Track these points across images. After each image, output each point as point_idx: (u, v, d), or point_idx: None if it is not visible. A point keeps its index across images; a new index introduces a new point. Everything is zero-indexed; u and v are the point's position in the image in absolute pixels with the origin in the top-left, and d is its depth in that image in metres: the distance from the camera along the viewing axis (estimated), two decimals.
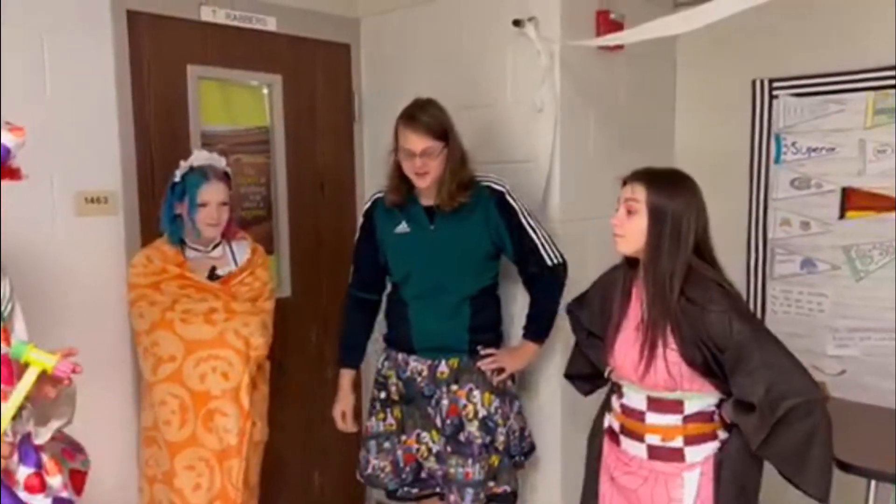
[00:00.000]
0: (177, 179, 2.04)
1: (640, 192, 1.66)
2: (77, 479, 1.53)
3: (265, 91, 2.61)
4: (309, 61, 2.72)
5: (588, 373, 1.93)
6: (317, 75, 2.75)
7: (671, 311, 1.63)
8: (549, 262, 2.19)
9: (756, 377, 1.57)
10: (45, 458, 1.44)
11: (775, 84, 2.63)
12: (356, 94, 2.86)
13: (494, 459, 2.17)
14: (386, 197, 2.20)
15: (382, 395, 2.29)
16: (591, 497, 1.89)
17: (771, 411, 1.56)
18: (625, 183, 1.71)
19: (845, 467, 1.86)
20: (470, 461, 2.13)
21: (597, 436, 1.89)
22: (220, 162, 2.09)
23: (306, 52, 2.71)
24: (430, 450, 2.23)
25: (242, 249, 2.20)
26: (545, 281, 2.21)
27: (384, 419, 2.28)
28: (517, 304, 2.36)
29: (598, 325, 1.86)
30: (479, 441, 2.13)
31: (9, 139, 1.29)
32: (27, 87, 1.98)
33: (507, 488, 2.21)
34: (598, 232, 2.49)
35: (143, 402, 2.08)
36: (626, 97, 2.64)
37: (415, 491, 2.29)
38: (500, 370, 2.19)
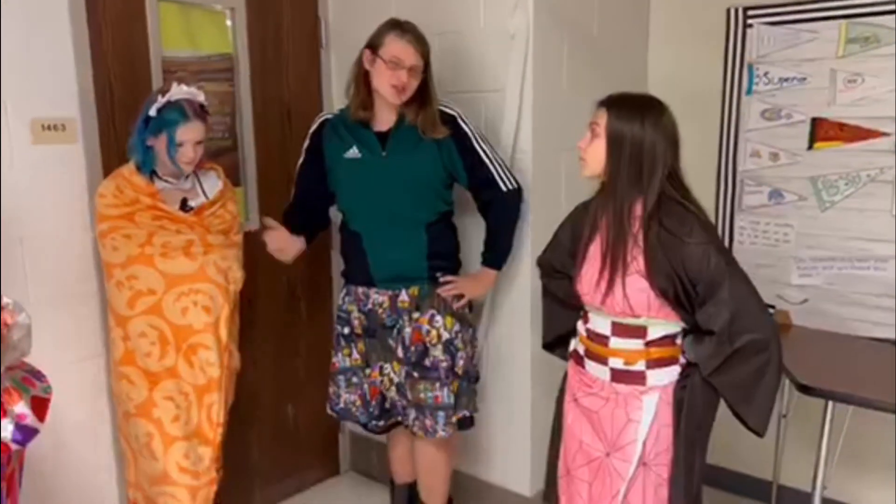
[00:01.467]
0: (152, 114, 1.95)
1: (601, 116, 1.66)
2: (39, 406, 1.50)
3: (228, 17, 2.50)
4: None
5: (566, 332, 1.93)
6: (282, 1, 2.65)
7: (628, 237, 1.64)
8: (503, 188, 2.19)
9: (721, 307, 1.61)
10: (4, 386, 1.42)
11: (750, 12, 2.60)
12: (322, 20, 2.77)
13: (455, 384, 2.20)
14: (353, 113, 2.15)
15: (346, 330, 2.30)
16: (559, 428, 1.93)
17: (730, 340, 1.62)
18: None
19: (805, 389, 1.93)
20: (437, 385, 2.16)
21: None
22: (199, 96, 2.02)
23: None
24: (391, 380, 2.25)
25: (211, 181, 2.15)
26: (501, 206, 2.21)
27: (349, 354, 2.30)
28: (476, 229, 2.35)
29: (570, 258, 1.86)
30: (444, 364, 2.16)
31: None
32: None
33: (467, 413, 2.25)
34: (571, 162, 2.47)
35: (111, 335, 2.05)
36: (600, 25, 2.59)
37: (381, 423, 2.34)
38: (460, 296, 2.22)
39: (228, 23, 2.51)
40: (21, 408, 1.41)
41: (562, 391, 1.93)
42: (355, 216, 2.22)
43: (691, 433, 1.70)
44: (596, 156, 1.67)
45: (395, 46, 2.04)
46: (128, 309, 1.99)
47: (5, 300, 1.45)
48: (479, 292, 2.30)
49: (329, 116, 2.24)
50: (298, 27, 2.71)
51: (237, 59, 2.53)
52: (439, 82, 2.22)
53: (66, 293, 2.11)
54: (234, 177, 2.57)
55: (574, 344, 1.87)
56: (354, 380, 2.30)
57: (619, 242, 1.65)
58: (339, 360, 2.32)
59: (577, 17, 2.50)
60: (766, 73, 2.60)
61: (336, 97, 2.82)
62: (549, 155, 2.43)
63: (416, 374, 2.18)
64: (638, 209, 1.65)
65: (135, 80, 2.24)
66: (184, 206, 2.06)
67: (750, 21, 2.61)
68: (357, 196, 2.20)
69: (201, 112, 2.02)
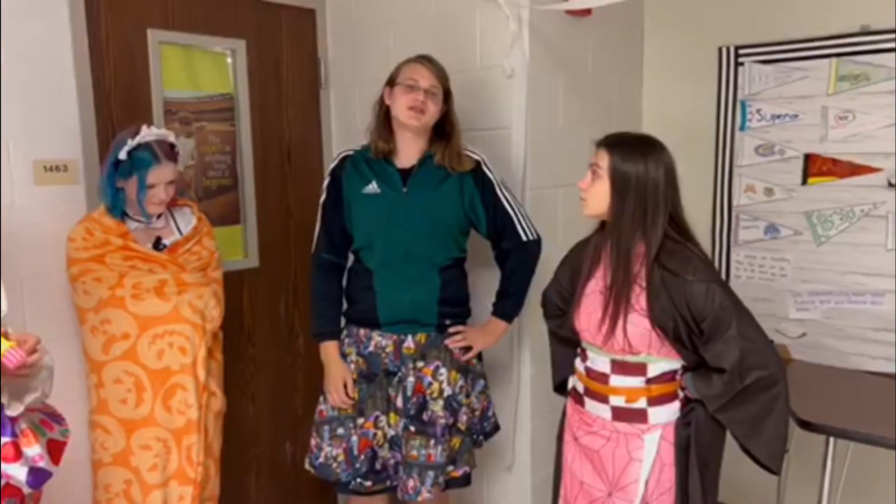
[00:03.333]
0: (122, 157, 1.93)
1: (603, 158, 1.67)
2: (55, 449, 1.50)
3: (228, 57, 2.55)
4: (273, 26, 2.66)
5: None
6: (282, 41, 2.69)
7: (632, 278, 1.65)
8: (523, 238, 2.13)
9: (731, 345, 1.61)
10: (21, 427, 1.41)
11: (741, 51, 2.65)
12: (322, 61, 2.81)
13: (456, 441, 2.11)
14: (373, 146, 2.12)
15: None
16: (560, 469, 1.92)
17: (740, 378, 1.62)
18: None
19: (806, 425, 1.93)
20: (433, 442, 2.05)
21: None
22: (168, 136, 2.00)
23: (271, 17, 2.64)
24: (385, 435, 2.12)
25: (186, 218, 2.13)
26: (518, 257, 2.14)
27: (353, 397, 2.13)
28: (485, 280, 2.30)
29: (569, 294, 1.88)
30: (442, 422, 2.06)
31: None
32: None
33: (466, 469, 2.17)
34: (567, 199, 2.51)
35: (87, 383, 2.02)
36: (595, 63, 2.64)
37: (368, 484, 2.13)
38: (468, 348, 2.13)
39: (229, 61, 2.55)
40: (36, 450, 1.41)
41: (561, 429, 1.92)
42: (370, 253, 2.12)
43: (696, 472, 1.69)
44: (598, 196, 1.68)
45: (412, 69, 2.04)
46: (102, 354, 1.96)
47: (28, 336, 1.45)
48: (487, 344, 2.19)
49: (350, 153, 2.18)
50: (298, 67, 2.75)
51: (237, 98, 2.57)
52: None
53: (62, 334, 2.09)
54: (233, 215, 2.59)
55: (573, 382, 1.86)
56: (340, 431, 2.13)
57: (624, 285, 1.65)
58: (327, 408, 2.16)
59: (573, 56, 2.54)
60: (758, 110, 2.64)
61: (336, 135, 2.86)
62: (546, 192, 2.45)
63: (412, 429, 2.07)
64: (640, 249, 1.66)
65: (136, 120, 2.25)
66: (157, 244, 2.04)
67: (741, 59, 2.66)
68: (373, 232, 2.11)
69: (171, 153, 2.00)
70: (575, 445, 1.82)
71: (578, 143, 2.29)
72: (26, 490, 1.40)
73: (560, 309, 1.93)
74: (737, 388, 1.63)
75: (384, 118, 2.11)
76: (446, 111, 2.10)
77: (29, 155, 2.01)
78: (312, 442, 2.19)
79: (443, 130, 2.11)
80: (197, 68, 2.46)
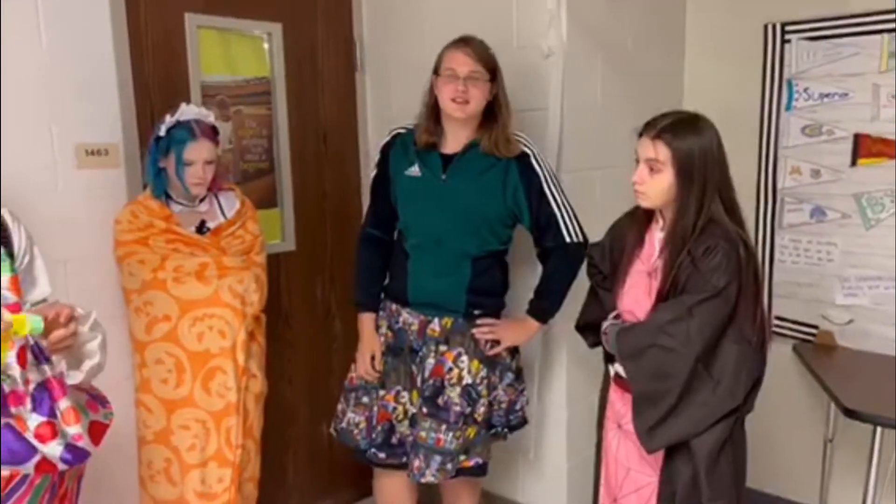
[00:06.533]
0: (161, 133, 1.98)
1: (663, 153, 1.62)
2: (97, 430, 1.54)
3: (265, 40, 2.55)
4: (309, 8, 2.65)
5: (599, 320, 1.91)
6: (317, 23, 2.69)
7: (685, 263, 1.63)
8: (567, 239, 2.05)
9: (676, 307, 1.62)
10: (63, 406, 1.45)
11: (788, 28, 2.56)
12: (358, 43, 2.80)
13: (471, 431, 2.08)
14: (417, 137, 2.08)
15: None
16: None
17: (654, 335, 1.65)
18: (641, 135, 1.68)
19: (852, 413, 1.87)
20: (444, 427, 2.03)
21: (606, 390, 1.90)
22: (208, 117, 2.03)
23: (306, 0, 2.64)
24: (405, 412, 2.12)
25: (230, 202, 2.15)
26: (561, 258, 2.07)
27: (379, 370, 2.16)
28: (528, 275, 2.24)
29: (608, 268, 1.87)
30: (457, 409, 2.03)
31: None
32: (22, 38, 1.93)
33: (479, 460, 2.13)
34: (605, 182, 2.47)
35: (132, 361, 2.06)
36: (635, 42, 2.58)
37: (382, 455, 2.15)
38: (496, 342, 2.10)
39: (265, 45, 2.56)
40: (77, 430, 1.44)
41: (601, 416, 1.89)
42: (407, 234, 2.12)
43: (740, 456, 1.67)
44: (661, 189, 1.65)
45: (451, 57, 1.98)
46: (145, 335, 2.00)
47: (81, 311, 1.49)
48: (517, 341, 2.15)
49: (402, 130, 2.14)
50: (333, 49, 2.75)
51: (274, 82, 2.58)
52: None
53: (104, 315, 2.13)
54: (270, 198, 2.61)
55: (617, 367, 1.84)
56: (364, 399, 2.17)
57: (675, 268, 1.64)
58: (356, 376, 2.20)
59: (612, 34, 2.49)
60: (805, 89, 2.55)
61: (371, 118, 2.85)
62: (583, 174, 2.41)
63: (425, 410, 2.06)
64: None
65: (175, 104, 2.28)
66: (201, 228, 2.07)
67: (788, 36, 2.57)
68: (410, 215, 2.11)
69: (211, 132, 2.02)
70: (620, 432, 1.80)
71: (617, 124, 2.24)
72: (62, 466, 1.44)
73: (599, 271, 1.92)
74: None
75: (433, 107, 2.05)
76: (495, 92, 2.02)
77: (71, 139, 2.05)
78: (339, 407, 2.23)
79: (492, 112, 2.03)
80: (234, 52, 2.47)
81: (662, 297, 1.67)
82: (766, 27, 2.60)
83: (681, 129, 1.63)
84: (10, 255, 1.48)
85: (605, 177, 2.46)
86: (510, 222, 2.10)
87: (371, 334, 2.17)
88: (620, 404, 1.80)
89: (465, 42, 2.01)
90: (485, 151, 2.03)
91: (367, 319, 2.19)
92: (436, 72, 2.03)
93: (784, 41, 2.58)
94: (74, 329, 1.44)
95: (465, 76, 1.95)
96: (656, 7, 2.65)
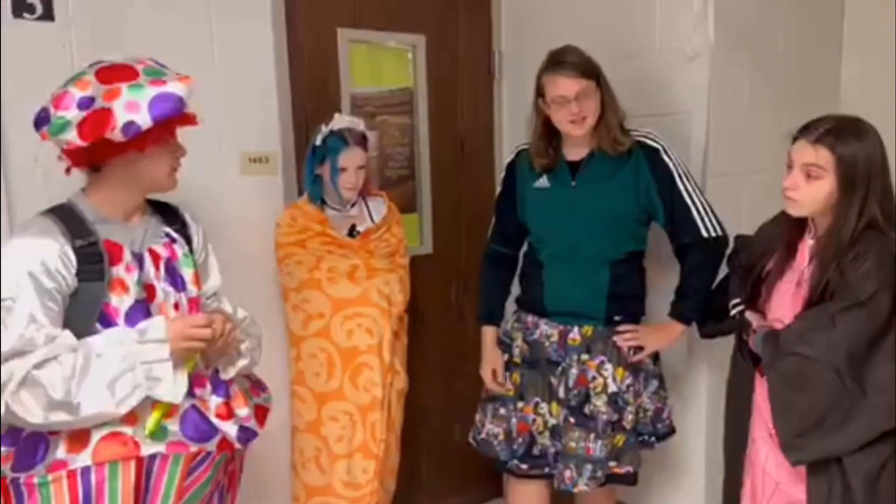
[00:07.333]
0: (318, 143, 2.12)
1: (824, 158, 1.54)
2: (260, 413, 1.68)
3: (409, 52, 2.66)
4: (451, 20, 2.74)
5: (722, 308, 1.85)
6: (458, 34, 2.77)
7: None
8: (704, 234, 1.99)
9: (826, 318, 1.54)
10: (234, 390, 1.59)
11: None
12: (496, 52, 2.86)
13: (619, 439, 2.06)
14: (534, 162, 2.09)
15: (505, 356, 2.20)
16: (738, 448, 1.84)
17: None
18: (796, 139, 1.61)
19: None
20: (592, 436, 2.01)
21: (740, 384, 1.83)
22: (359, 125, 2.15)
23: (449, 11, 2.73)
24: (545, 423, 2.10)
25: (378, 206, 2.27)
26: (698, 255, 2.02)
27: (503, 383, 2.18)
28: (666, 277, 2.19)
29: (748, 261, 1.82)
30: (604, 417, 2.02)
31: (178, 87, 1.41)
32: (199, 57, 2.12)
33: (630, 468, 2.09)
34: (753, 187, 2.37)
35: (288, 355, 2.21)
36: (786, 42, 2.46)
37: (524, 467, 2.15)
38: (639, 348, 2.06)
39: (409, 56, 2.66)
40: (245, 412, 1.58)
41: (745, 425, 1.82)
42: (541, 246, 2.13)
43: None
44: (818, 197, 1.57)
45: (553, 85, 1.95)
46: (302, 330, 2.15)
47: (242, 313, 1.65)
48: (661, 346, 2.11)
49: (525, 147, 2.15)
50: (473, 59, 2.82)
51: (416, 92, 2.68)
52: None
53: (264, 311, 2.29)
54: (410, 204, 2.71)
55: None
56: (502, 411, 2.16)
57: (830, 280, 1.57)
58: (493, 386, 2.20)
59: (761, 33, 2.39)
60: None
61: (507, 126, 2.89)
62: (729, 180, 2.33)
63: (572, 420, 2.05)
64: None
65: (328, 115, 2.41)
66: (352, 231, 2.19)
67: None
68: (543, 226, 2.12)
69: (361, 140, 2.13)
70: (771, 441, 1.72)
71: (766, 127, 2.15)
72: (237, 445, 1.57)
73: (740, 262, 1.88)
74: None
75: (543, 128, 2.05)
76: (601, 93, 1.99)
77: (237, 147, 2.22)
78: (477, 417, 2.25)
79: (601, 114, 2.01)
80: (380, 64, 2.60)
81: (810, 306, 1.59)
82: None
83: (844, 133, 1.54)
84: (192, 252, 1.63)
85: (752, 182, 2.36)
86: (644, 220, 2.08)
87: (492, 349, 2.21)
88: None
89: (560, 63, 1.96)
90: (601, 155, 2.02)
91: (488, 333, 2.23)
92: (540, 94, 2.02)
93: None
94: (233, 335, 1.57)
95: (574, 98, 1.93)
96: (811, 5, 2.52)
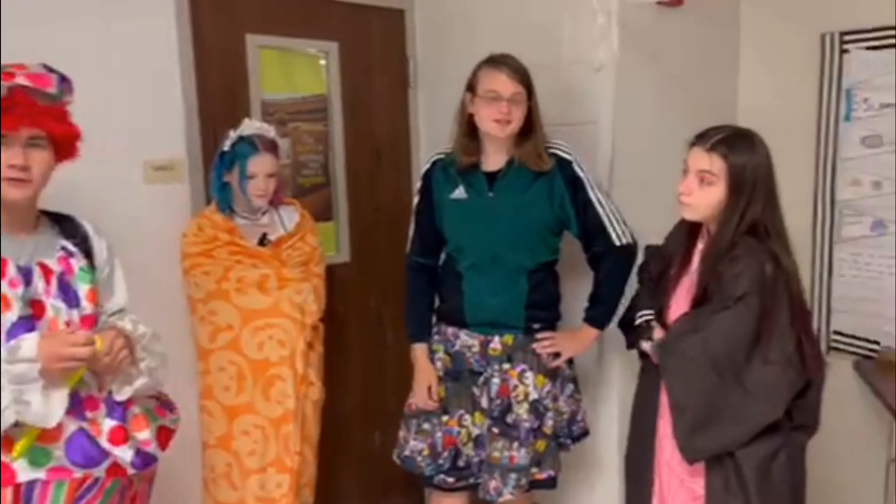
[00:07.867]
0: (226, 149, 2.07)
1: (717, 165, 1.62)
2: (164, 435, 1.61)
3: (322, 59, 2.63)
4: (365, 27, 2.73)
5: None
6: (372, 42, 2.77)
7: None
8: (616, 242, 2.06)
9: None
10: (133, 412, 1.52)
11: (846, 37, 2.52)
12: (411, 60, 2.86)
13: (541, 444, 2.09)
14: (457, 160, 2.10)
15: None
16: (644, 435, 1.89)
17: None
18: (693, 145, 1.68)
19: None
20: (516, 445, 2.05)
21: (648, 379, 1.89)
22: (269, 132, 2.12)
23: (362, 19, 2.72)
24: (469, 434, 2.13)
25: (290, 215, 2.24)
26: (611, 261, 2.09)
27: (436, 400, 2.17)
28: (579, 284, 2.24)
29: (656, 271, 1.88)
30: (526, 425, 2.05)
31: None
32: (97, 60, 2.04)
33: (551, 472, 2.14)
34: (656, 196, 2.44)
35: (196, 369, 2.15)
36: (687, 55, 2.56)
37: (450, 480, 2.16)
38: (557, 354, 2.11)
39: (322, 63, 2.64)
40: (146, 435, 1.51)
41: (651, 426, 1.87)
42: (459, 257, 2.14)
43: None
44: (710, 202, 1.65)
45: (490, 79, 1.98)
46: (209, 343, 2.09)
47: (143, 329, 1.56)
48: (577, 351, 2.17)
49: (441, 156, 2.17)
50: (388, 68, 2.82)
51: (330, 99, 2.66)
52: None
53: (170, 324, 2.21)
54: (326, 212, 2.69)
55: None
56: (426, 426, 2.17)
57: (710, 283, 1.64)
58: (415, 402, 2.21)
59: (663, 47, 2.48)
60: (865, 99, 2.49)
61: (423, 134, 2.90)
62: (632, 187, 2.40)
63: (495, 430, 2.08)
64: None
65: (236, 122, 2.37)
66: (262, 240, 2.15)
67: (846, 46, 2.52)
68: (461, 237, 2.12)
69: (272, 146, 2.10)
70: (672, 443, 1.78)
71: (669, 137, 2.22)
72: (131, 471, 1.50)
73: (650, 273, 1.94)
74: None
75: (468, 126, 2.07)
76: (529, 108, 2.04)
77: (140, 154, 2.15)
78: (400, 434, 2.24)
79: (526, 127, 2.06)
80: (293, 70, 2.57)
81: (696, 307, 1.66)
82: (822, 37, 2.56)
83: (737, 143, 1.62)
84: (93, 267, 1.56)
85: (657, 189, 2.44)
86: (558, 230, 2.13)
87: (426, 365, 2.19)
88: None
89: (504, 62, 2.01)
90: (519, 166, 2.06)
91: (420, 350, 2.21)
92: (471, 90, 2.04)
93: (843, 51, 2.53)
94: (124, 353, 1.48)
95: (508, 98, 1.97)
96: (709, 19, 2.63)
